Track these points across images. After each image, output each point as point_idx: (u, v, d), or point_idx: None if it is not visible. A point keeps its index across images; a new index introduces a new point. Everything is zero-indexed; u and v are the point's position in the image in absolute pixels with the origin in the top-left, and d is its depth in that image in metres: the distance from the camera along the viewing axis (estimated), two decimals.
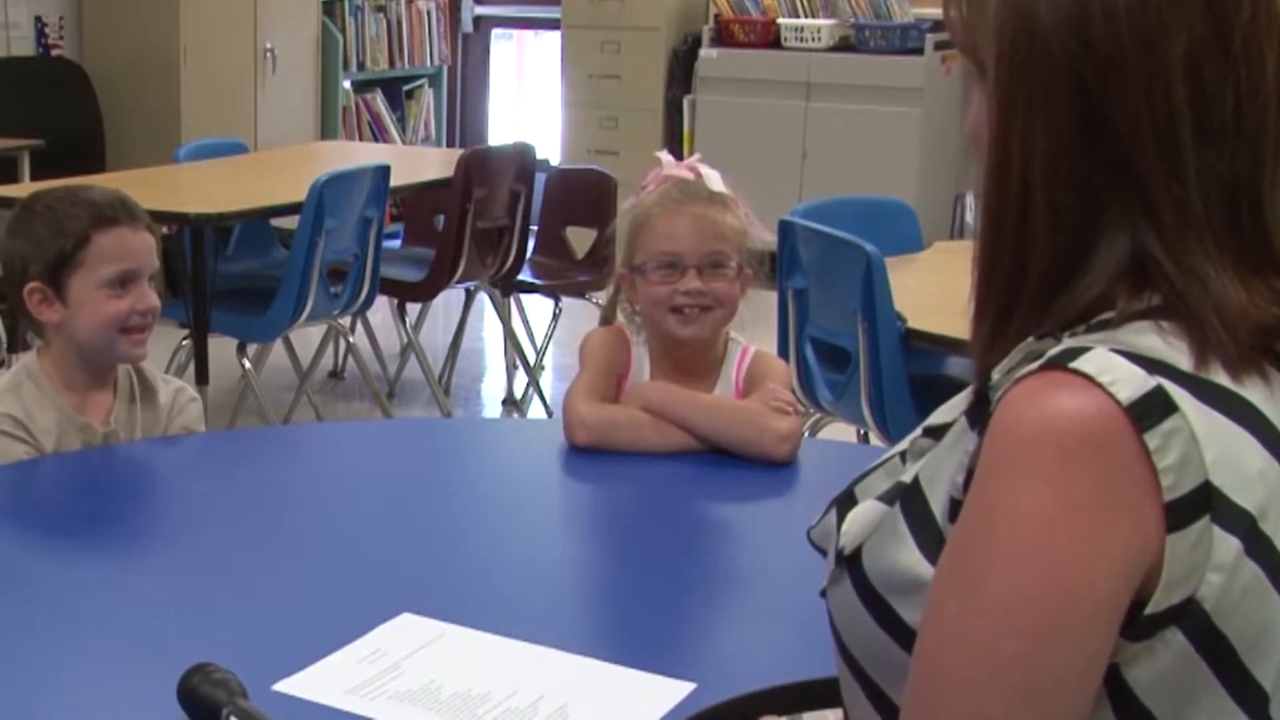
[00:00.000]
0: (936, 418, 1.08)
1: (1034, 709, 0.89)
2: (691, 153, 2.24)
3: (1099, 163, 0.94)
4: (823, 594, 1.07)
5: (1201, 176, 0.93)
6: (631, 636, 1.60)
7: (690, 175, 2.21)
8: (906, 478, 1.03)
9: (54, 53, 6.70)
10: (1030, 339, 0.98)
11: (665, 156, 2.26)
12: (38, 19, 6.64)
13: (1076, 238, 0.95)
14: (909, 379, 3.17)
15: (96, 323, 2.13)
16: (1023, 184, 0.95)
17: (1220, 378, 0.92)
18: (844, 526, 1.04)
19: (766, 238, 2.31)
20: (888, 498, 1.04)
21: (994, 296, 0.99)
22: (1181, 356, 0.92)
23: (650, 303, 2.18)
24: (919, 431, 1.08)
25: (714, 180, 2.20)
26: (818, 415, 3.55)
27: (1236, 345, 0.92)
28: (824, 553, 1.09)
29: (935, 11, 6.62)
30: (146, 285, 2.17)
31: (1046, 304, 0.96)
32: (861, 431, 3.44)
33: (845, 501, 1.08)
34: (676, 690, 1.42)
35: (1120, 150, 0.93)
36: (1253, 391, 0.93)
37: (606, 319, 2.32)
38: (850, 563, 1.03)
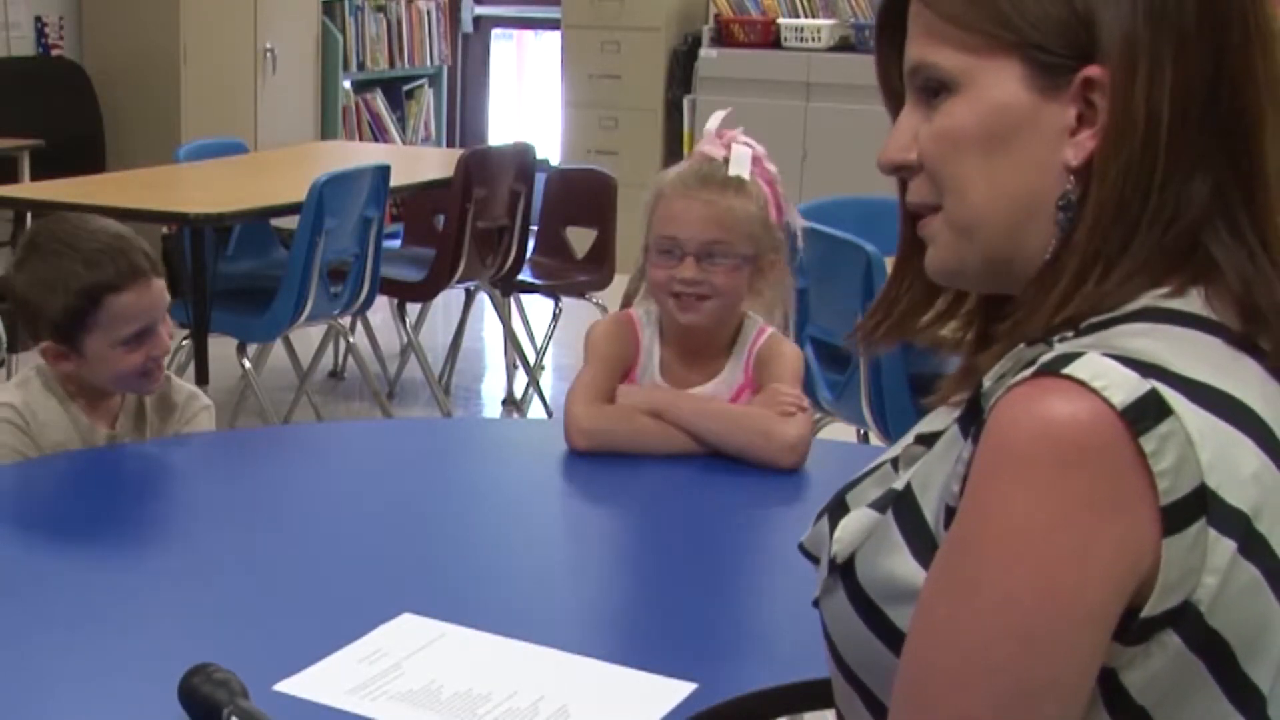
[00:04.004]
0: (927, 425, 1.07)
1: (1024, 712, 0.89)
2: (692, 153, 2.20)
3: (1214, 124, 0.95)
4: (815, 604, 1.07)
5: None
6: (631, 636, 1.60)
7: (721, 155, 2.15)
8: (899, 485, 1.03)
9: (54, 53, 6.70)
10: (1021, 345, 0.97)
11: (711, 126, 2.18)
12: (38, 19, 6.64)
13: (1175, 199, 0.95)
14: (909, 379, 3.17)
15: (114, 375, 2.14)
16: (1148, 138, 0.94)
17: (1214, 380, 0.91)
18: (836, 534, 1.04)
19: (799, 221, 2.27)
20: (879, 505, 1.03)
21: (1107, 253, 0.96)
22: (1175, 357, 0.91)
23: (651, 284, 2.18)
24: (910, 438, 1.08)
25: (739, 162, 2.14)
26: (818, 415, 3.55)
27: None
28: (816, 561, 1.08)
29: None
30: (160, 329, 2.15)
31: (1150, 256, 0.96)
32: (861, 431, 3.44)
33: (837, 509, 1.07)
34: (677, 690, 1.42)
35: (1235, 109, 0.95)
36: (1246, 392, 0.92)
37: (630, 294, 2.30)
38: (843, 571, 1.02)
